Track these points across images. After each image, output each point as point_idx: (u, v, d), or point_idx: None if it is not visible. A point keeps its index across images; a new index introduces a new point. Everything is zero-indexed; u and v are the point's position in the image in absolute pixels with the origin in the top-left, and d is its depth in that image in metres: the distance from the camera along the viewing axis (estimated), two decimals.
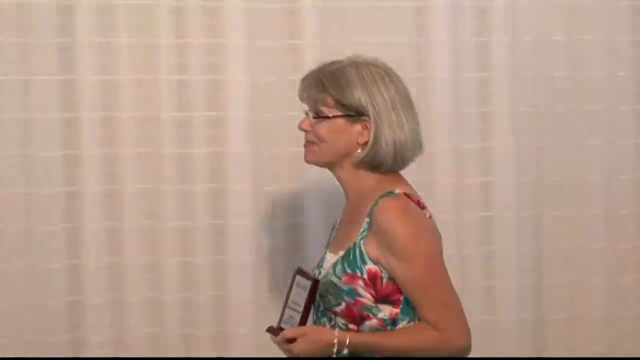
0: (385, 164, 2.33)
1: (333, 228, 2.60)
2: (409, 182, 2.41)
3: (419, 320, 2.32)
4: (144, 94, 3.19)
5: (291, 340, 2.33)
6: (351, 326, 2.36)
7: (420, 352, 2.33)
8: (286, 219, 3.47)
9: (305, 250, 3.43)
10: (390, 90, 2.35)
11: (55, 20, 3.16)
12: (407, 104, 2.38)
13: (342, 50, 2.58)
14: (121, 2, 3.17)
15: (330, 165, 2.44)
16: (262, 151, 3.35)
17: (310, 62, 3.03)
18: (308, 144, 2.39)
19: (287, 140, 3.26)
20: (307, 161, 2.47)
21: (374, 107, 2.31)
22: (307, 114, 2.39)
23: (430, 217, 2.41)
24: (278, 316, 2.43)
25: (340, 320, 2.37)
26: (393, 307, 2.34)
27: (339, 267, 2.35)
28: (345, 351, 2.29)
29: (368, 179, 2.39)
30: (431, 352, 2.33)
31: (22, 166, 3.29)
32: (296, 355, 2.34)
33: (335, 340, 2.30)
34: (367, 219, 2.31)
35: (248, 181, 3.33)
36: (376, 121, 2.30)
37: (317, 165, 2.47)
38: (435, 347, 2.32)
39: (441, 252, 2.39)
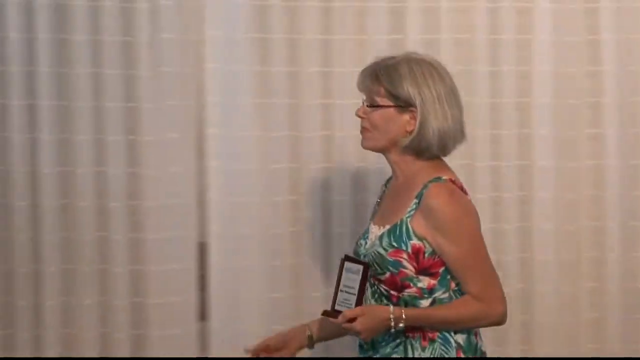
0: (429, 151, 2.61)
1: (377, 203, 2.87)
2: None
3: (462, 294, 2.63)
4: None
5: (351, 320, 2.60)
6: (392, 292, 2.65)
7: (466, 322, 2.65)
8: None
9: None
10: (437, 84, 2.63)
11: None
12: (451, 96, 2.64)
13: None
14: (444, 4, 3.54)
15: (383, 151, 2.73)
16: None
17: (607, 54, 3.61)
18: (363, 130, 2.68)
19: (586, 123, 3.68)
20: (364, 147, 2.76)
21: (421, 98, 2.59)
22: (363, 102, 2.69)
23: (470, 201, 2.73)
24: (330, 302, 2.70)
25: (382, 287, 2.66)
26: (431, 278, 2.63)
27: (385, 240, 2.62)
28: (401, 324, 2.56)
29: (415, 163, 2.66)
30: (475, 320, 2.66)
31: None
32: (358, 331, 2.60)
33: (392, 316, 2.58)
34: (416, 200, 2.58)
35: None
36: (422, 112, 2.58)
37: (372, 150, 2.78)
38: (479, 316, 2.64)
39: (481, 234, 2.71)
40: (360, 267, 2.61)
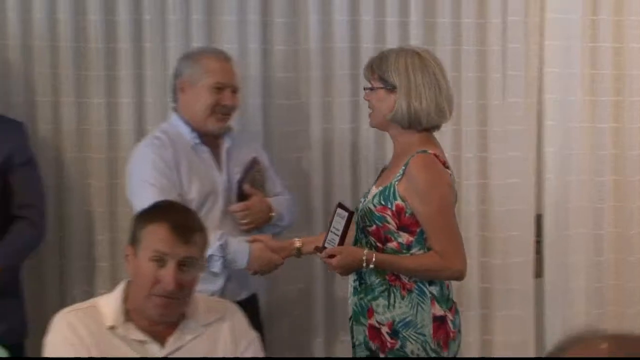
0: (407, 125, 3.00)
1: (382, 170, 3.26)
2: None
3: (428, 249, 2.98)
4: None
5: (332, 256, 3.03)
6: (378, 244, 3.02)
7: (426, 272, 3.00)
8: None
9: None
10: (417, 71, 3.00)
11: None
12: (431, 82, 3.01)
13: None
14: None
15: (382, 128, 3.18)
16: None
17: None
18: (369, 112, 3.16)
19: None
20: (370, 126, 3.32)
21: (400, 82, 2.98)
22: (364, 88, 3.17)
23: (451, 175, 3.08)
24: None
25: (371, 238, 3.03)
26: (409, 235, 3.00)
27: (376, 199, 3.01)
28: (371, 265, 2.95)
29: (406, 136, 3.05)
30: (434, 272, 3.00)
31: None
32: (334, 267, 3.04)
33: (364, 257, 2.96)
34: (403, 167, 2.98)
35: None
36: (400, 93, 2.98)
37: (376, 128, 3.29)
38: (438, 269, 2.99)
39: (452, 203, 3.09)
40: (347, 214, 3.03)
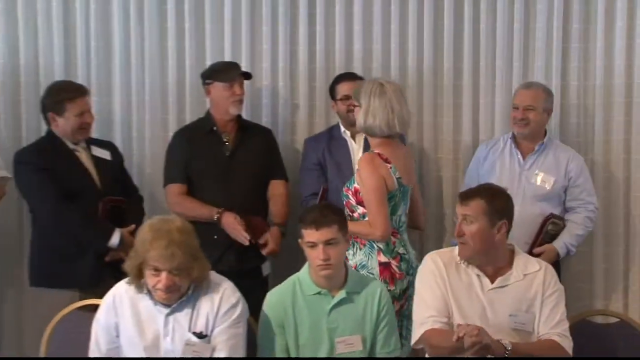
0: (366, 133, 4.23)
1: None
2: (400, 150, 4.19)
3: None
4: None
5: None
6: (349, 213, 4.11)
7: (362, 234, 4.06)
8: None
9: None
10: (376, 96, 4.09)
11: None
12: (385, 105, 4.06)
13: None
14: None
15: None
16: None
17: None
18: None
19: None
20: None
21: (361, 104, 4.11)
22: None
23: (391, 168, 4.04)
24: None
25: (346, 209, 4.12)
26: (364, 208, 4.08)
27: (347, 184, 4.16)
28: None
29: (371, 140, 4.20)
30: (365, 235, 4.06)
31: None
32: None
33: None
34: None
35: None
36: (361, 110, 4.11)
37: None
38: (367, 233, 4.06)
39: (382, 187, 4.01)
40: (321, 190, 4.46)
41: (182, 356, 3.41)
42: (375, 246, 4.08)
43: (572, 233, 4.53)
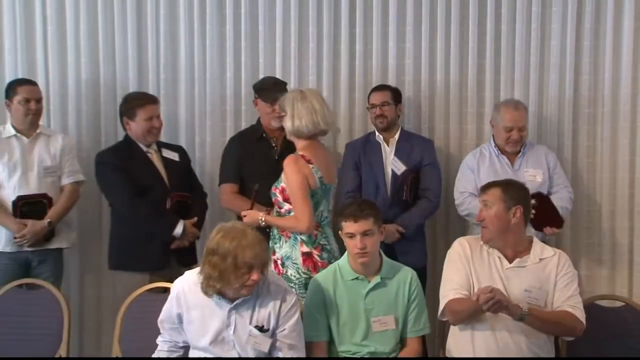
0: (293, 135, 4.06)
1: None
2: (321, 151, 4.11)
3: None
4: None
5: (244, 216, 4.11)
6: (277, 209, 4.08)
7: (287, 227, 3.99)
8: None
9: None
10: (297, 102, 4.02)
11: None
12: (307, 110, 3.99)
13: None
14: None
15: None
16: None
17: None
18: None
19: None
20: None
21: (287, 111, 4.04)
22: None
23: (313, 167, 3.96)
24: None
25: (275, 206, 4.08)
26: (289, 205, 3.98)
27: (275, 184, 4.05)
28: (263, 223, 4.03)
29: (297, 142, 4.08)
30: (290, 228, 3.99)
31: None
32: (245, 222, 3.85)
33: (260, 217, 4.06)
34: None
35: None
36: (287, 116, 4.03)
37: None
38: (293, 226, 3.97)
39: (304, 185, 3.94)
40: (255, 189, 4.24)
41: (244, 345, 3.43)
42: (298, 238, 4.03)
43: (564, 201, 4.59)
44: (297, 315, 3.49)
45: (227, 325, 3.44)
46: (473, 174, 4.64)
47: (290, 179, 3.98)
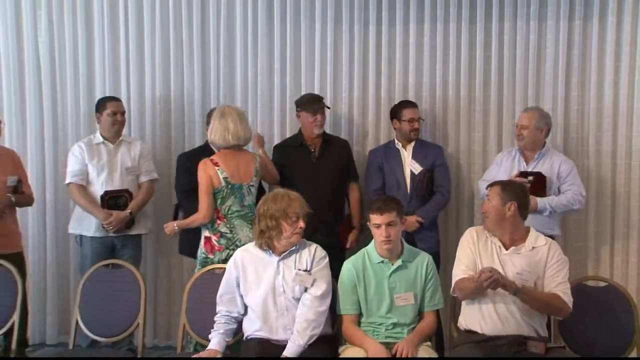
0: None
1: None
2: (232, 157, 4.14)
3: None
4: None
5: (166, 227, 4.29)
6: None
7: (193, 221, 4.17)
8: None
9: None
10: (216, 120, 4.13)
11: None
12: (223, 126, 4.09)
13: None
14: None
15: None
16: None
17: None
18: None
19: None
20: None
21: (209, 125, 4.21)
22: None
23: (218, 169, 4.07)
24: None
25: None
26: None
27: None
28: (176, 229, 4.25)
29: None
30: (194, 220, 4.15)
31: None
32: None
33: (174, 225, 4.26)
34: None
35: None
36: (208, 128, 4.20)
37: None
38: (194, 219, 4.14)
39: (207, 183, 4.06)
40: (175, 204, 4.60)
41: (292, 285, 3.58)
42: (206, 226, 4.18)
43: (556, 200, 4.41)
44: (325, 264, 3.65)
45: (278, 273, 3.57)
46: (497, 167, 4.62)
47: (199, 177, 4.12)
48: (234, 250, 3.91)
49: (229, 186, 4.12)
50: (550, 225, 4.40)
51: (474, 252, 3.61)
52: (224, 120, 4.11)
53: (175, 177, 4.68)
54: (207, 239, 4.16)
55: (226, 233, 4.14)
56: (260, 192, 4.41)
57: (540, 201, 4.34)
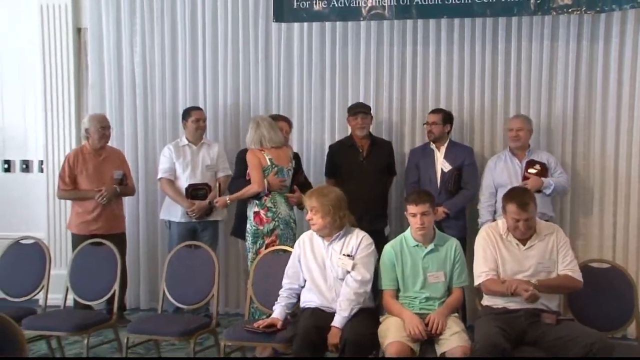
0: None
1: None
2: None
3: None
4: None
5: (217, 202, 4.47)
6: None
7: (246, 192, 4.22)
8: None
9: None
10: (252, 130, 4.21)
11: None
12: (258, 132, 4.17)
13: None
14: None
15: None
16: None
17: None
18: None
19: None
20: None
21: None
22: None
23: (264, 153, 4.14)
24: None
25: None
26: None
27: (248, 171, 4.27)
28: (229, 201, 4.39)
29: None
30: (248, 190, 4.20)
31: None
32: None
33: (226, 199, 4.36)
34: None
35: None
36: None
37: None
38: (249, 189, 4.18)
39: (256, 162, 4.13)
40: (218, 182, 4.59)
41: (336, 267, 3.55)
42: (254, 202, 4.19)
43: (556, 180, 4.44)
44: (370, 251, 3.57)
45: (327, 257, 3.58)
46: (490, 172, 4.56)
47: (248, 161, 4.19)
48: (277, 222, 4.12)
49: (274, 166, 4.18)
50: (547, 206, 4.41)
51: (493, 251, 3.50)
52: (259, 130, 4.19)
53: (234, 172, 4.64)
54: (256, 213, 4.18)
55: (271, 207, 4.18)
56: (307, 186, 4.40)
57: (545, 180, 4.40)
